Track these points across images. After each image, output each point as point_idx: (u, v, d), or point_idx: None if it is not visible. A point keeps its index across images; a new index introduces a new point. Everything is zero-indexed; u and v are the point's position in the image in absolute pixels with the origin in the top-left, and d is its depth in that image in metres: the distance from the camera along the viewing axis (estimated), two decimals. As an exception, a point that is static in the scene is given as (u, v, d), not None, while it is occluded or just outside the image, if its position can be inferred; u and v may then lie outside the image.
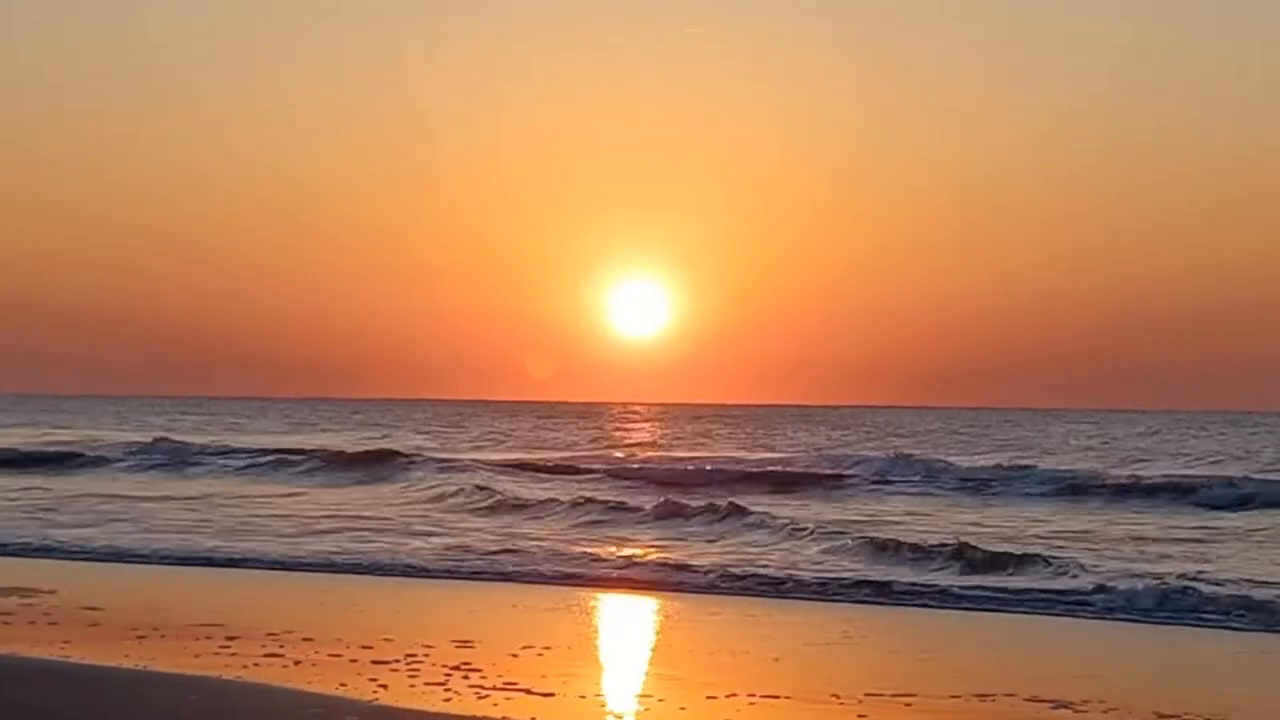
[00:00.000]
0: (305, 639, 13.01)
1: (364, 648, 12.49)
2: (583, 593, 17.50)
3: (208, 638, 12.93)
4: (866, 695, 11.13)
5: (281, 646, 12.48)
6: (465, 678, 11.18)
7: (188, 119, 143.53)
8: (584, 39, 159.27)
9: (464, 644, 12.77)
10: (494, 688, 10.82)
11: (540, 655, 12.65)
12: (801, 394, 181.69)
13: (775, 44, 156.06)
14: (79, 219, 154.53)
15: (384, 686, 10.70)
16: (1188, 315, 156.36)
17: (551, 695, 10.77)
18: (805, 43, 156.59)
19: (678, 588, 18.13)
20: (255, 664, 11.60)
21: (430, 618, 15.21)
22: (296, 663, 11.74)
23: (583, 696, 10.93)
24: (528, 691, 10.78)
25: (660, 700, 10.79)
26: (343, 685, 10.61)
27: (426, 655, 12.08)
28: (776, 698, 10.95)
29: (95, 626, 13.67)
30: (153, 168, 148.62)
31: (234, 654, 12.07)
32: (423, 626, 14.05)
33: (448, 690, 10.71)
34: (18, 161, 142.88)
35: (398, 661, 11.80)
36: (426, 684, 10.89)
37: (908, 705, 10.82)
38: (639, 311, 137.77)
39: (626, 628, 14.51)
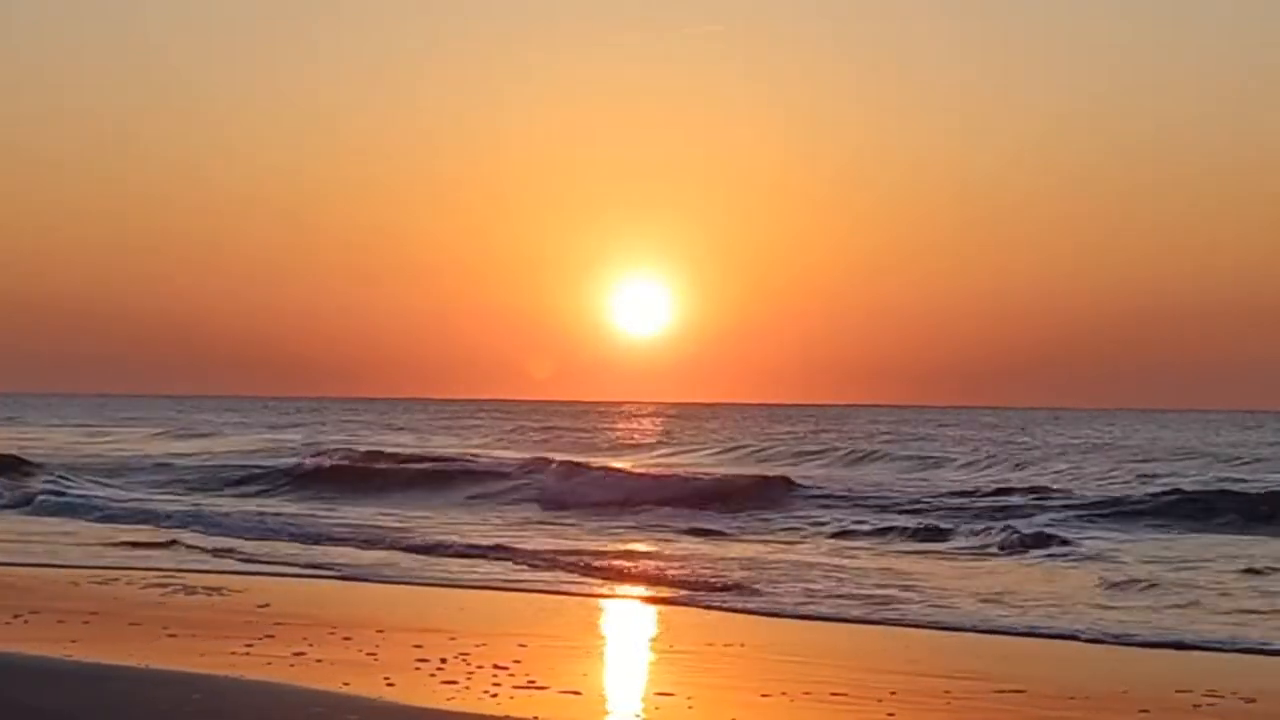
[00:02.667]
0: (345, 638, 12.92)
1: (415, 646, 12.36)
2: (631, 601, 17.32)
3: (225, 637, 12.83)
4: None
5: (310, 646, 12.32)
6: (493, 677, 11.00)
7: (188, 119, 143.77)
8: (584, 39, 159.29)
9: (505, 645, 12.62)
10: (515, 687, 10.65)
11: (569, 657, 12.58)
12: (804, 393, 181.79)
13: (776, 44, 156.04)
14: (79, 219, 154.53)
15: (392, 685, 10.52)
16: (1189, 315, 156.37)
17: (578, 694, 10.62)
18: (806, 43, 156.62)
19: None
20: (267, 662, 11.46)
21: (484, 621, 14.98)
22: (318, 661, 11.62)
23: (604, 697, 10.80)
24: (539, 689, 10.61)
25: (688, 698, 10.62)
26: (346, 684, 10.44)
27: (465, 656, 11.92)
28: (842, 695, 10.84)
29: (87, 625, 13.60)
30: (153, 168, 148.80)
31: (247, 654, 11.93)
32: (475, 630, 13.83)
33: (458, 688, 10.54)
34: (18, 161, 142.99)
35: (425, 662, 11.63)
36: (443, 683, 10.73)
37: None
38: (641, 311, 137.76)
39: (668, 634, 14.32)
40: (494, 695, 10.27)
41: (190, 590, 16.44)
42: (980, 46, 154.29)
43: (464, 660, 11.67)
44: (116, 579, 17.38)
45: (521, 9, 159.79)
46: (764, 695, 10.82)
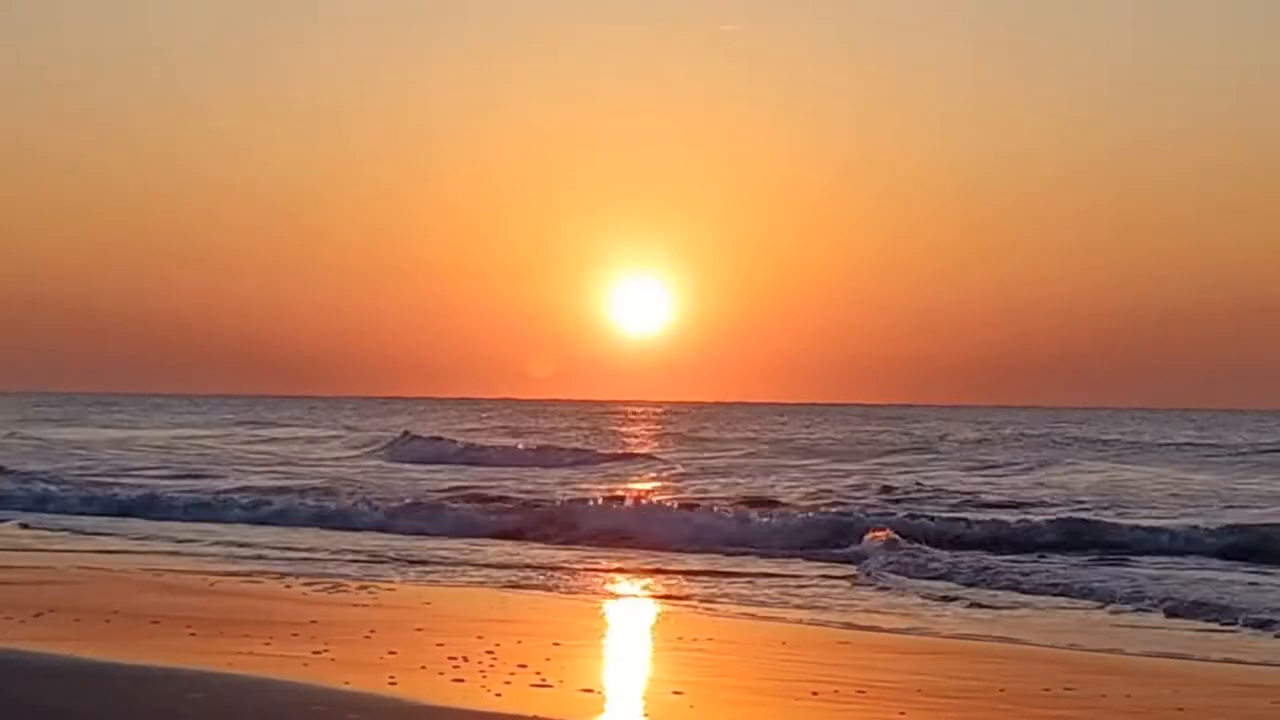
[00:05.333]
0: (366, 636, 12.78)
1: (438, 645, 12.20)
2: (673, 603, 17.21)
3: (245, 635, 12.69)
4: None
5: (331, 644, 12.16)
6: (509, 675, 10.81)
7: (188, 119, 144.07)
8: (585, 37, 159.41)
9: (535, 645, 12.43)
10: (531, 685, 10.46)
11: (599, 657, 12.53)
12: (806, 393, 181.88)
13: (776, 44, 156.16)
14: (79, 219, 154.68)
15: (394, 683, 10.33)
16: (1195, 314, 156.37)
17: (592, 692, 10.49)
18: (807, 43, 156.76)
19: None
20: (282, 660, 11.32)
21: (520, 621, 14.87)
22: (333, 660, 11.44)
23: (619, 695, 10.64)
24: (552, 687, 10.43)
25: (707, 696, 10.47)
26: (347, 682, 10.29)
27: (491, 654, 11.76)
28: (864, 693, 10.68)
29: (108, 623, 13.49)
30: (153, 168, 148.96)
31: (263, 653, 11.80)
32: (508, 630, 13.71)
33: (466, 686, 10.37)
34: (18, 161, 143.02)
35: (449, 660, 11.45)
36: (453, 680, 10.56)
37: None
38: (641, 309, 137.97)
39: (703, 634, 14.17)
40: (499, 694, 10.08)
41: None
42: (983, 45, 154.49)
43: (489, 658, 11.54)
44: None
45: (522, 7, 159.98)
46: (804, 695, 10.70)
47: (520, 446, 53.86)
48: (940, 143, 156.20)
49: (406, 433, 59.51)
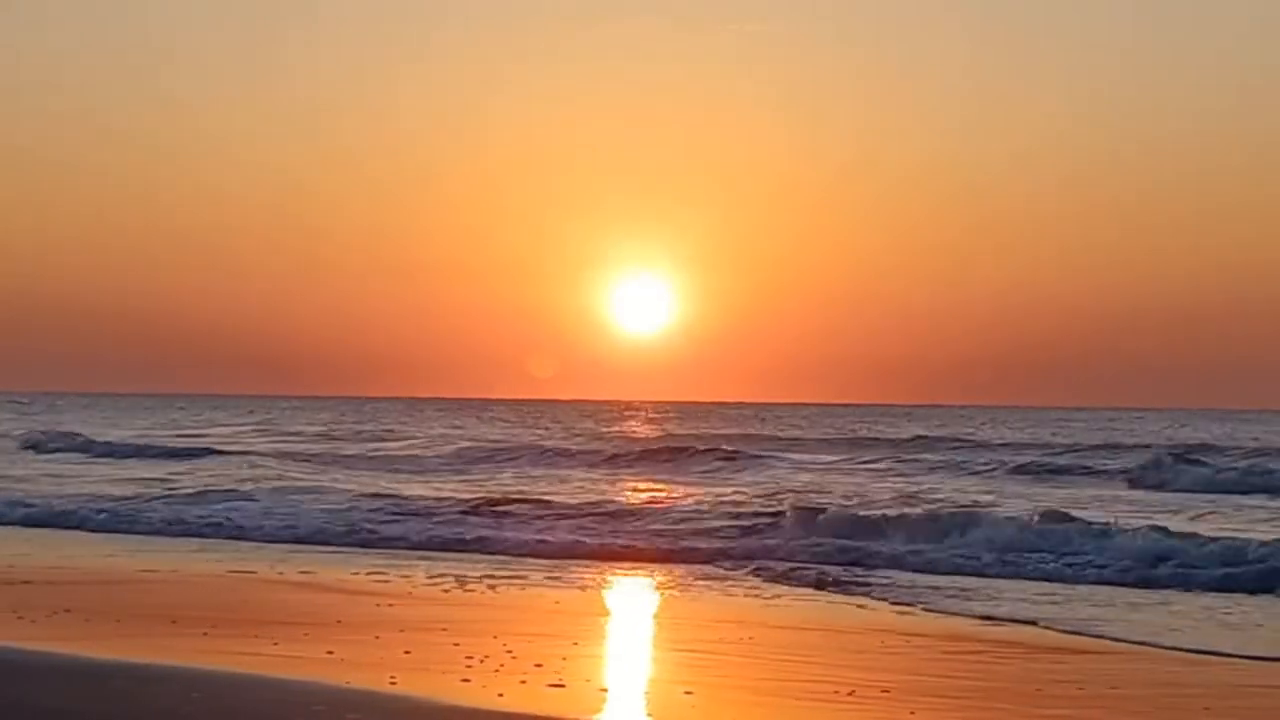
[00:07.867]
0: (376, 636, 12.68)
1: (454, 645, 12.12)
2: (677, 604, 17.16)
3: (256, 636, 12.61)
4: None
5: (341, 644, 12.06)
6: (523, 675, 10.72)
7: (187, 119, 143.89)
8: (585, 38, 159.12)
9: (554, 644, 12.35)
10: (548, 685, 10.38)
11: (618, 656, 12.52)
12: (807, 392, 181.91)
13: (778, 43, 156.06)
14: (79, 219, 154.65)
15: (393, 682, 10.25)
16: (1195, 314, 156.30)
17: (604, 691, 10.46)
18: (808, 42, 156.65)
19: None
20: (288, 660, 11.25)
21: (544, 620, 14.80)
22: (342, 660, 11.34)
23: (632, 698, 10.52)
24: (563, 687, 10.34)
25: (719, 694, 10.40)
26: (348, 681, 10.21)
27: (510, 652, 11.69)
28: (888, 692, 10.55)
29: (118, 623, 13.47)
30: (153, 168, 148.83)
31: (270, 654, 11.73)
32: (527, 629, 13.66)
33: (472, 685, 10.29)
34: (18, 161, 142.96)
35: (467, 659, 11.35)
36: (461, 680, 10.47)
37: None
38: (643, 309, 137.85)
39: (732, 631, 14.11)
40: (501, 694, 9.98)
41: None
42: (983, 45, 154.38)
43: (509, 656, 11.49)
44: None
45: (522, 7, 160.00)
46: (806, 696, 10.64)
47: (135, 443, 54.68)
48: (940, 143, 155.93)
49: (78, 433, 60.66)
